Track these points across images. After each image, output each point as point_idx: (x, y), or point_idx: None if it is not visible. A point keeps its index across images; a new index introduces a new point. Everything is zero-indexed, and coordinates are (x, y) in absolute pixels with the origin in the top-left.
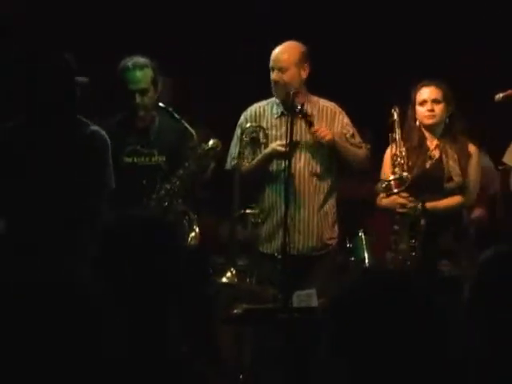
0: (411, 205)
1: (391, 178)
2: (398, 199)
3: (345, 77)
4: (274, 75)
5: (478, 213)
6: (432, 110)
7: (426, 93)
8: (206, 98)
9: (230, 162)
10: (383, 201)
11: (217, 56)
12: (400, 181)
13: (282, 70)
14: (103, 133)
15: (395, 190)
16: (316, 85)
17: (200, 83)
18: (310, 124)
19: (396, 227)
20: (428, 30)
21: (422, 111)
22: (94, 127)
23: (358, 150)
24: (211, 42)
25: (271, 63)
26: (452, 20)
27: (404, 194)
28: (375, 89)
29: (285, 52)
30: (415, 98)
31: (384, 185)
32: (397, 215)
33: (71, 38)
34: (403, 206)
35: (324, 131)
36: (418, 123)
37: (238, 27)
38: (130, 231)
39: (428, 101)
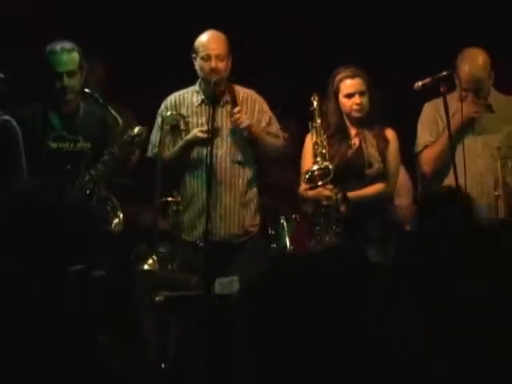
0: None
1: (315, 168)
2: (323, 192)
3: (269, 65)
4: (212, 63)
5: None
6: (360, 104)
7: (353, 86)
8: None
9: (150, 150)
10: (308, 193)
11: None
12: (324, 171)
13: (219, 57)
14: (14, 123)
15: (320, 183)
16: (239, 73)
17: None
18: (234, 104)
19: (322, 220)
20: (349, 16)
21: (349, 104)
22: (6, 117)
23: (276, 139)
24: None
25: (206, 51)
26: (374, 6)
27: (329, 187)
28: (300, 76)
29: (220, 40)
30: (338, 88)
31: (308, 176)
32: (322, 208)
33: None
34: (329, 198)
35: (242, 116)
36: (339, 112)
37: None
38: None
39: (355, 94)
